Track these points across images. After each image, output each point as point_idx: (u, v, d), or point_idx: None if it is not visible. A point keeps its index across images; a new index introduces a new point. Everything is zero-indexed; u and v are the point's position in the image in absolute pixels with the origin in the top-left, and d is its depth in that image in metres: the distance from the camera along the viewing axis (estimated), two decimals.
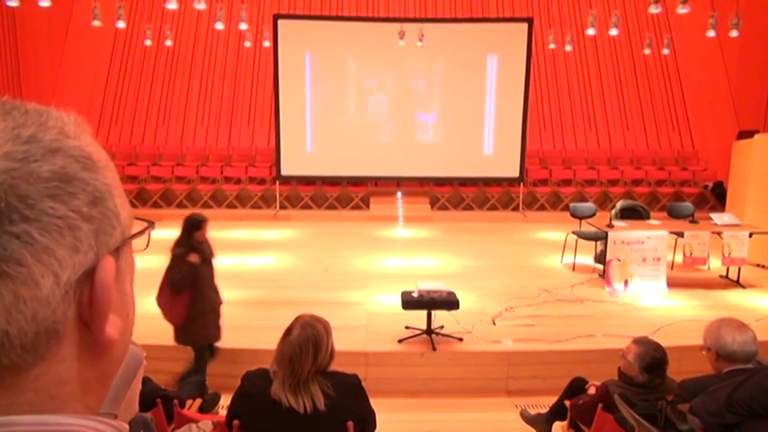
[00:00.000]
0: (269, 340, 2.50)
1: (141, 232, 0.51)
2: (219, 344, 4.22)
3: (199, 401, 3.53)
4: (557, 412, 3.57)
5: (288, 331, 2.31)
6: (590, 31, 9.19)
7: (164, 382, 3.23)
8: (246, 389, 2.34)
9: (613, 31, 9.14)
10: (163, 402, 2.78)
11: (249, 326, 4.92)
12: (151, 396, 2.76)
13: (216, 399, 3.94)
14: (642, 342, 2.89)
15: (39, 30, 11.11)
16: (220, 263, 7.13)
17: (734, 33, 8.15)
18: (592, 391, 3.28)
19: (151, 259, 2.63)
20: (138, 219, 0.54)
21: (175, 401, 2.84)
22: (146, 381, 2.81)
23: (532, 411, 3.87)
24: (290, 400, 2.19)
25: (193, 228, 4.03)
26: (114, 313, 0.45)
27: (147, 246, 0.55)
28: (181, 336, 3.98)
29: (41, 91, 11.14)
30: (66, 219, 0.41)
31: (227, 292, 5.85)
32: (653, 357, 2.77)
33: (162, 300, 3.94)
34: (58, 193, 0.41)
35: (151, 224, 0.54)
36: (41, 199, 0.40)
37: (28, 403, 0.41)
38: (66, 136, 0.44)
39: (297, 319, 2.36)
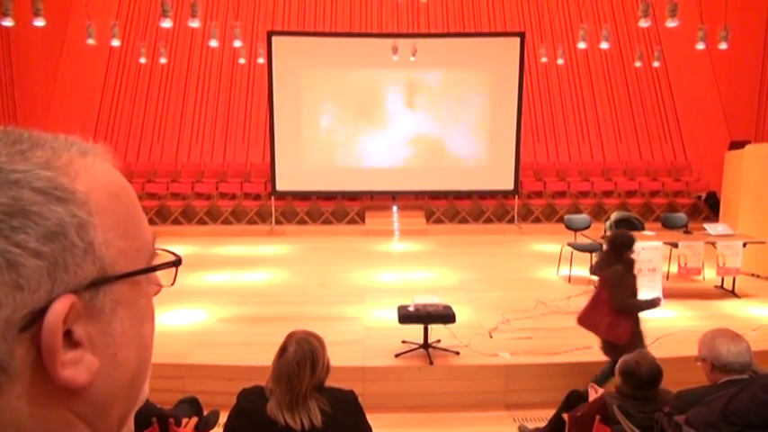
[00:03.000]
0: (265, 357, 2.50)
1: (136, 272, 0.48)
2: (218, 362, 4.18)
3: (195, 420, 3.51)
4: (555, 426, 3.56)
5: (283, 349, 2.30)
6: (581, 45, 9.29)
7: (158, 401, 3.21)
8: (242, 407, 2.33)
9: (604, 45, 9.24)
10: (158, 421, 2.76)
11: (245, 342, 4.89)
12: (146, 415, 2.74)
13: (216, 416, 3.92)
14: (638, 352, 2.92)
15: (33, 48, 11.15)
16: (216, 279, 7.14)
17: (723, 46, 8.26)
18: (592, 394, 3.30)
19: None
20: (165, 251, 0.52)
21: (171, 420, 2.82)
22: None
23: (531, 425, 3.86)
24: (286, 418, 2.18)
25: (625, 247, 4.09)
26: (92, 353, 0.44)
27: (174, 283, 0.53)
28: (618, 352, 3.81)
29: (36, 109, 11.16)
30: (5, 254, 0.39)
31: (222, 309, 5.85)
32: (629, 366, 2.83)
33: (600, 319, 3.99)
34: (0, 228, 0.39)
35: (175, 261, 0.51)
36: None
37: None
38: (44, 167, 0.43)
39: (290, 336, 2.35)
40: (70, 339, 0.43)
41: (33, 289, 0.40)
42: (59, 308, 0.41)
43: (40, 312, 0.40)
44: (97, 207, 0.45)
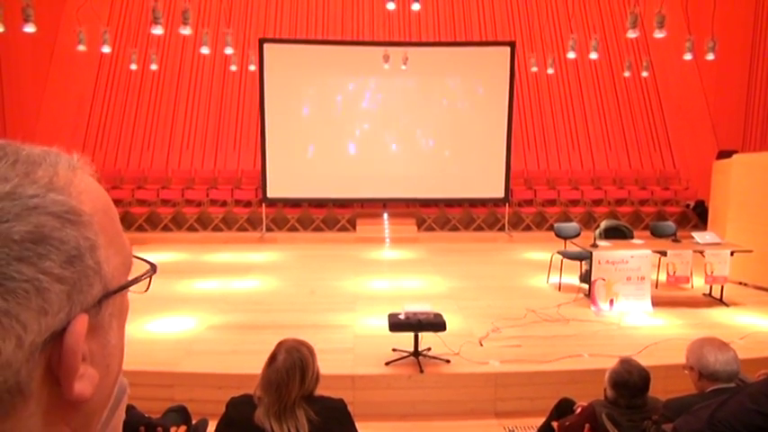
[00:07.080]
0: (255, 365, 2.49)
1: (130, 283, 0.50)
2: (207, 370, 4.15)
3: (183, 429, 3.47)
4: None
5: (273, 357, 2.29)
6: (571, 55, 9.38)
7: (146, 410, 3.18)
8: (231, 416, 2.32)
9: (593, 55, 9.33)
10: (147, 430, 2.74)
11: (234, 350, 4.87)
12: (135, 424, 2.72)
13: (204, 425, 3.88)
14: (624, 361, 2.92)
15: (23, 54, 11.09)
16: (205, 287, 7.10)
17: (710, 56, 8.36)
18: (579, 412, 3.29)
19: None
20: (138, 258, 0.53)
21: (159, 429, 2.80)
22: (129, 408, 2.77)
23: None
24: (273, 426, 2.17)
25: None
26: (92, 366, 0.45)
27: (148, 288, 0.54)
28: None
29: (25, 115, 11.08)
30: (34, 282, 0.40)
31: (212, 317, 5.82)
32: (621, 376, 2.81)
33: None
34: (27, 255, 0.40)
35: (152, 269, 0.53)
36: (8, 262, 0.39)
37: None
38: (50, 189, 0.43)
39: (280, 344, 2.35)
40: None
41: (55, 312, 0.41)
42: (79, 328, 0.42)
43: (58, 333, 0.42)
44: (99, 227, 0.46)
